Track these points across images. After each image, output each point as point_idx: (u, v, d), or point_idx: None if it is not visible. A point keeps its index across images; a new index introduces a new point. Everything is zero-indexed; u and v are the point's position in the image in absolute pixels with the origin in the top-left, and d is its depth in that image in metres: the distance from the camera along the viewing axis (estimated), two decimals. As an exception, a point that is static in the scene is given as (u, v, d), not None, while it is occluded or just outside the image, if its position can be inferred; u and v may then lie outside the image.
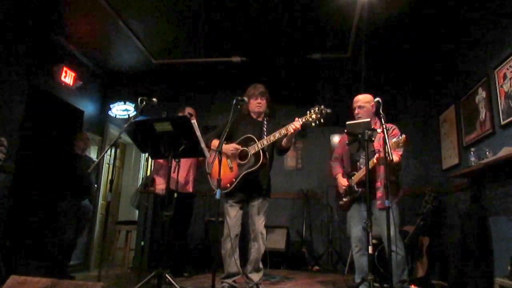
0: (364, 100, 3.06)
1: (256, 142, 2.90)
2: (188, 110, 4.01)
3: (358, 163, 3.03)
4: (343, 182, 3.15)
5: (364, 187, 2.80)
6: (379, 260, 3.70)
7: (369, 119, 2.92)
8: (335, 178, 3.28)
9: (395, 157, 2.87)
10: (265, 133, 3.00)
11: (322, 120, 2.70)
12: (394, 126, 3.04)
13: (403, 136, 2.72)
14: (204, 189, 4.26)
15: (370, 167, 2.85)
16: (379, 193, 2.91)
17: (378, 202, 2.90)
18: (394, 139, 2.70)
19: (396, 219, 2.93)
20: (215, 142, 3.01)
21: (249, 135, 2.98)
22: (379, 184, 2.93)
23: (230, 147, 2.96)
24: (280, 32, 4.32)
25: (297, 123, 2.74)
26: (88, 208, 4.25)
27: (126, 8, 3.94)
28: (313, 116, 2.71)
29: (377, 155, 2.80)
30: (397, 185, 3.04)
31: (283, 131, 2.80)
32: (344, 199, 3.15)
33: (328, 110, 2.70)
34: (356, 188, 3.02)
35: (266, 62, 5.08)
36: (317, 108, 2.72)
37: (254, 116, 3.16)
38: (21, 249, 3.73)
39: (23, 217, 3.82)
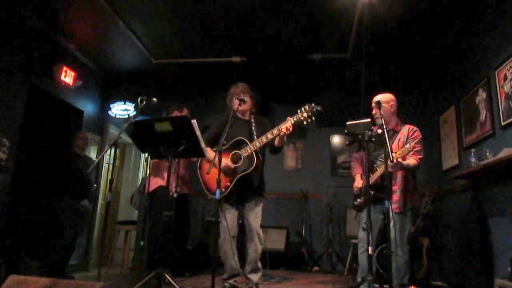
0: (383, 100, 2.99)
1: (248, 144, 2.87)
2: (186, 110, 3.99)
3: (374, 165, 3.00)
4: (357, 183, 3.14)
5: (378, 189, 2.79)
6: (380, 262, 3.69)
7: (369, 120, 2.91)
8: (354, 179, 3.26)
9: (413, 161, 2.86)
10: (254, 132, 2.98)
11: (313, 118, 2.71)
12: (415, 128, 3.01)
13: (412, 144, 2.73)
14: (202, 189, 4.26)
15: (381, 171, 2.84)
16: (395, 197, 2.89)
17: (395, 205, 2.85)
18: (407, 145, 2.72)
19: (409, 224, 2.95)
20: (210, 153, 2.91)
21: (240, 137, 2.93)
22: (395, 187, 2.90)
23: (222, 164, 2.79)
24: (280, 32, 4.32)
25: (289, 123, 2.72)
26: (88, 208, 4.24)
27: (126, 8, 3.93)
28: (304, 114, 2.71)
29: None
30: (414, 189, 3.04)
31: (275, 131, 2.78)
32: (359, 200, 3.13)
33: (319, 108, 2.71)
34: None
35: (266, 62, 5.07)
36: (307, 106, 2.73)
37: (240, 115, 3.13)
38: (21, 249, 3.72)
39: (22, 217, 3.82)
